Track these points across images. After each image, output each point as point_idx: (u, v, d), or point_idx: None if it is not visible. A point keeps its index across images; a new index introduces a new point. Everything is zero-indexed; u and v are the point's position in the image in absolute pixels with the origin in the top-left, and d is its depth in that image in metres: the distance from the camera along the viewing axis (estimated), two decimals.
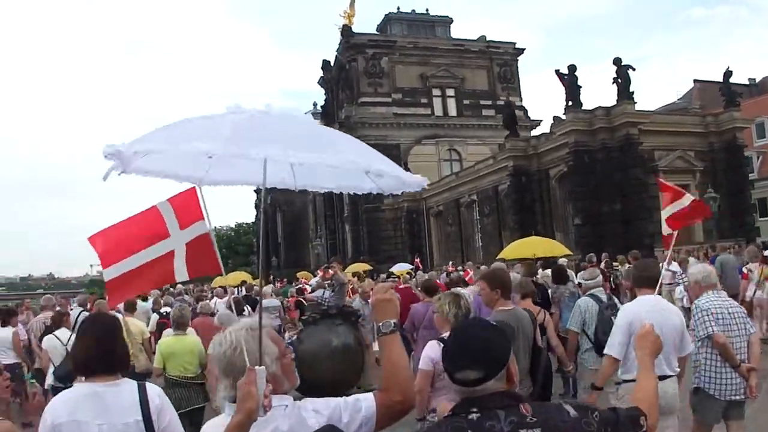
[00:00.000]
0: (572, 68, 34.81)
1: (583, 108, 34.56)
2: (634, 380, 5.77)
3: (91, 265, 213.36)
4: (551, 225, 37.80)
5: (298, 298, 22.09)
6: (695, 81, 58.79)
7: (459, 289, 10.80)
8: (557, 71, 35.13)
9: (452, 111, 61.81)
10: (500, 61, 63.74)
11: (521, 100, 62.82)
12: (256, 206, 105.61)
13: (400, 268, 36.98)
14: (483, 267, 20.57)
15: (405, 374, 2.79)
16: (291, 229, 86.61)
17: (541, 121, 59.92)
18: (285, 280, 42.06)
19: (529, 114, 62.51)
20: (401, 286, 16.94)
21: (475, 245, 48.70)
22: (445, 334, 5.59)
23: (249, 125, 3.22)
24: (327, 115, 67.75)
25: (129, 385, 3.61)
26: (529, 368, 6.16)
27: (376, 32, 64.63)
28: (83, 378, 3.63)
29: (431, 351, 5.59)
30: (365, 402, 2.69)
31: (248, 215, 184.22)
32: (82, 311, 14.65)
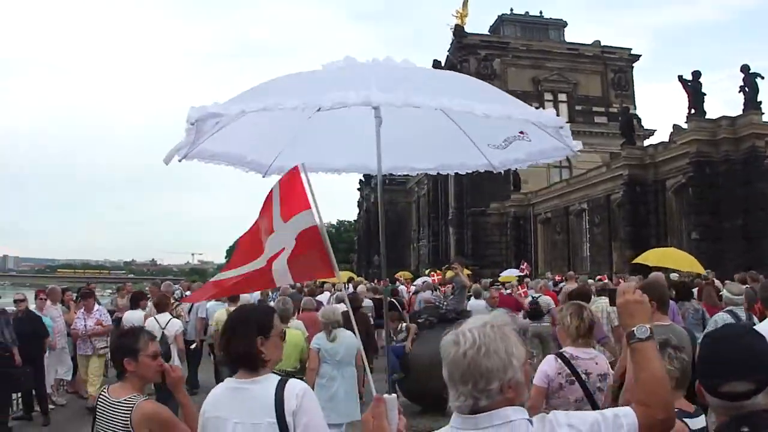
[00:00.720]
0: (696, 74, 33.23)
1: (706, 117, 32.97)
2: None
3: (192, 254, 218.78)
4: (665, 238, 36.16)
5: (391, 298, 21.74)
6: None
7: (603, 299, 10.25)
8: (680, 77, 33.60)
9: (564, 116, 59.46)
10: (615, 67, 61.83)
11: (635, 108, 60.85)
12: (359, 204, 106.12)
13: (509, 274, 36.10)
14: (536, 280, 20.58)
15: (667, 388, 2.44)
16: (393, 229, 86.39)
17: (655, 130, 57.99)
18: (387, 279, 41.56)
19: (643, 123, 60.57)
20: (507, 293, 16.85)
21: (583, 254, 47.32)
22: (566, 349, 5.24)
23: (392, 74, 3.01)
24: None
25: (269, 383, 3.40)
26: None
27: (488, 33, 63.64)
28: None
29: (548, 366, 5.19)
30: (626, 419, 2.30)
31: (349, 213, 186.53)
32: None
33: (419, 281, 31.87)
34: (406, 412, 4.49)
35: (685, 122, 33.43)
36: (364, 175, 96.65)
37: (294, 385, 3.41)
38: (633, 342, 2.46)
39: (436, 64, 65.58)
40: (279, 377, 3.47)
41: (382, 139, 3.38)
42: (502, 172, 4.16)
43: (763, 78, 32.17)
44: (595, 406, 4.79)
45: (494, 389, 2.26)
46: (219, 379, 12.56)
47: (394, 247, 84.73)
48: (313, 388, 7.83)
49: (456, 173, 4.17)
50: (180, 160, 3.34)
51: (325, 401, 7.85)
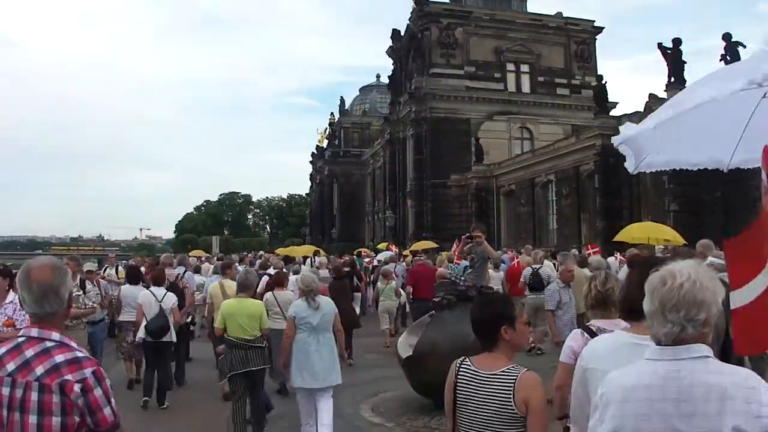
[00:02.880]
0: (677, 42, 31.84)
1: (686, 86, 31.66)
2: None
3: (140, 229, 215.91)
4: (639, 211, 34.99)
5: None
6: None
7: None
8: (660, 45, 32.17)
9: (525, 88, 58.61)
10: (578, 38, 60.23)
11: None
12: (312, 178, 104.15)
13: None
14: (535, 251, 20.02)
15: None
16: (347, 202, 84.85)
17: (617, 103, 56.87)
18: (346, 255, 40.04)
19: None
20: (420, 263, 17.72)
21: (549, 227, 46.01)
22: (592, 322, 4.70)
23: None
24: (394, 85, 65.32)
25: None
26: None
27: (450, 2, 61.57)
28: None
29: (573, 342, 4.60)
30: None
31: (301, 186, 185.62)
32: (185, 271, 15.03)
33: (384, 254, 30.57)
34: (417, 408, 3.78)
35: (665, 90, 32.08)
36: (317, 147, 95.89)
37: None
38: None
39: (395, 34, 63.73)
40: None
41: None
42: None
43: (745, 47, 30.87)
44: None
45: (701, 320, 2.46)
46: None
47: (348, 220, 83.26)
48: (288, 355, 8.39)
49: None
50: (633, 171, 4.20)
51: (301, 367, 8.27)
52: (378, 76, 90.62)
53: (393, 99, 65.67)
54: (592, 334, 4.44)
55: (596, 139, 36.95)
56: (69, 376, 2.89)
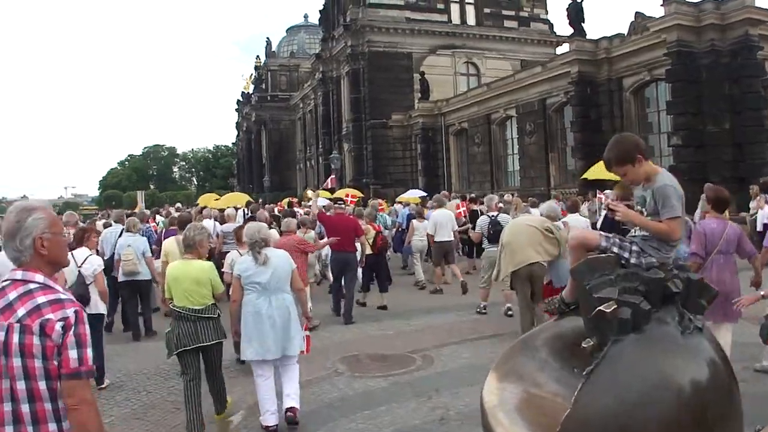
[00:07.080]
0: None
1: (687, 0, 25.65)
2: None
3: (65, 187, 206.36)
4: None
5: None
6: None
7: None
8: None
9: (471, 20, 51.76)
10: None
11: (546, 14, 53.78)
12: (238, 126, 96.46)
13: (411, 195, 29.98)
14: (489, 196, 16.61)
15: None
16: (277, 150, 77.59)
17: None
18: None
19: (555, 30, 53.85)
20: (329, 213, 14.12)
21: (509, 169, 39.87)
22: None
23: None
24: (326, 20, 57.96)
25: None
26: None
27: None
28: None
29: None
30: None
31: (227, 137, 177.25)
32: (123, 229, 13.10)
33: (321, 201, 24.47)
34: None
35: (662, 5, 25.99)
36: (242, 94, 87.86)
37: None
38: None
39: None
40: None
41: None
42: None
43: None
44: None
45: None
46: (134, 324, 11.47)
47: (279, 169, 76.22)
48: (238, 322, 6.74)
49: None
50: None
51: (251, 336, 6.55)
52: (306, 16, 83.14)
53: (325, 35, 58.30)
54: None
55: (572, 65, 30.76)
56: (50, 315, 2.67)
